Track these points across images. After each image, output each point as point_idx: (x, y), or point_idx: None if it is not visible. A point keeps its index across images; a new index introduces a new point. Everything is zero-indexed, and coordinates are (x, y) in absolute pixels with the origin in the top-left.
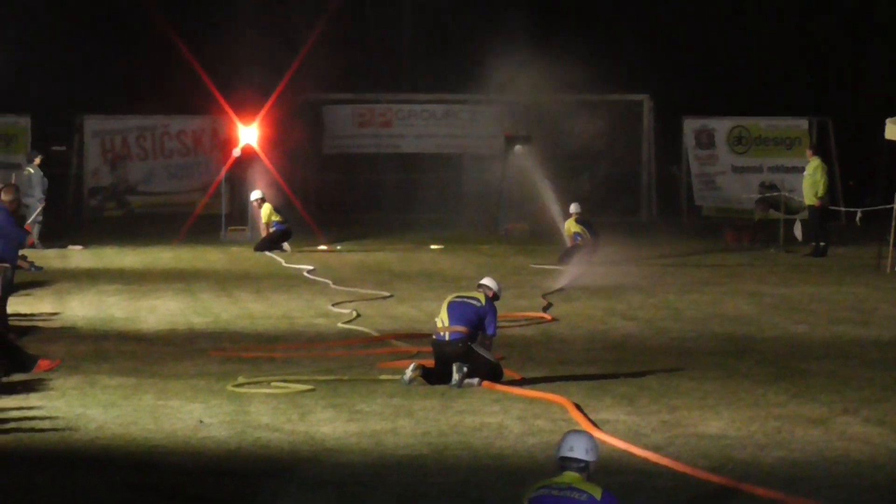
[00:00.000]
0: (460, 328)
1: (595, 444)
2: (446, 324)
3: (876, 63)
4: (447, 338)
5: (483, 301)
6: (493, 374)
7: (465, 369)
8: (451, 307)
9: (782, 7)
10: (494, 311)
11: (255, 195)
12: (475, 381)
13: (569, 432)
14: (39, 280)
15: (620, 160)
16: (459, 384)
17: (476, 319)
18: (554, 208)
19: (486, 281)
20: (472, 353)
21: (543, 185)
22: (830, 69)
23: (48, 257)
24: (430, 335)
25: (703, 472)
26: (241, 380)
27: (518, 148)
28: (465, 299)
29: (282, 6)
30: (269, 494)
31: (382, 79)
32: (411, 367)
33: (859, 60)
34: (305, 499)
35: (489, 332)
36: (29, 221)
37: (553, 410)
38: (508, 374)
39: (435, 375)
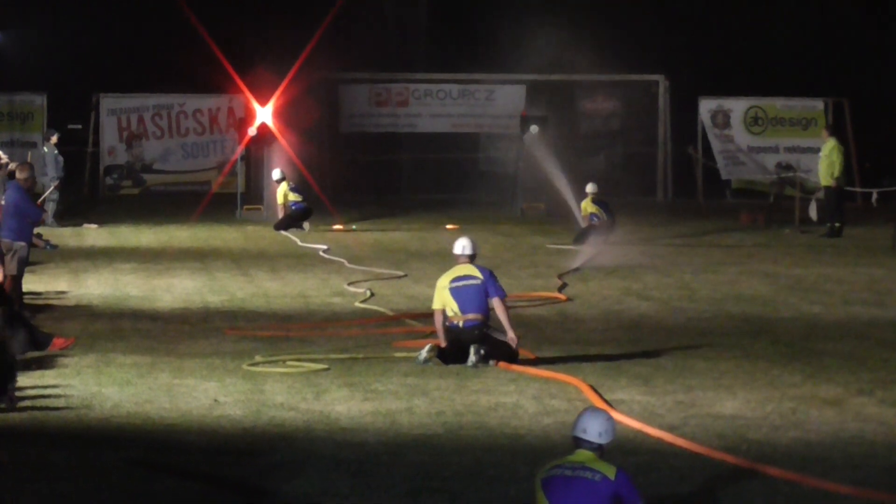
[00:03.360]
0: (474, 315)
1: (610, 425)
2: (457, 311)
3: (893, 44)
4: (461, 325)
5: (479, 275)
6: (509, 355)
7: (482, 352)
8: (456, 294)
9: None
10: (492, 275)
11: (276, 175)
12: (490, 361)
13: (585, 411)
14: (55, 258)
15: (636, 140)
16: (475, 365)
17: (484, 298)
18: (568, 193)
19: (463, 250)
20: (488, 339)
21: (556, 170)
22: (847, 50)
23: (64, 236)
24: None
25: (718, 452)
26: (258, 359)
27: (533, 128)
28: (465, 281)
29: None
30: (283, 473)
31: (399, 58)
32: (427, 347)
33: (876, 41)
34: (320, 478)
35: (499, 295)
36: (41, 199)
37: (568, 390)
38: (522, 353)
39: (450, 355)
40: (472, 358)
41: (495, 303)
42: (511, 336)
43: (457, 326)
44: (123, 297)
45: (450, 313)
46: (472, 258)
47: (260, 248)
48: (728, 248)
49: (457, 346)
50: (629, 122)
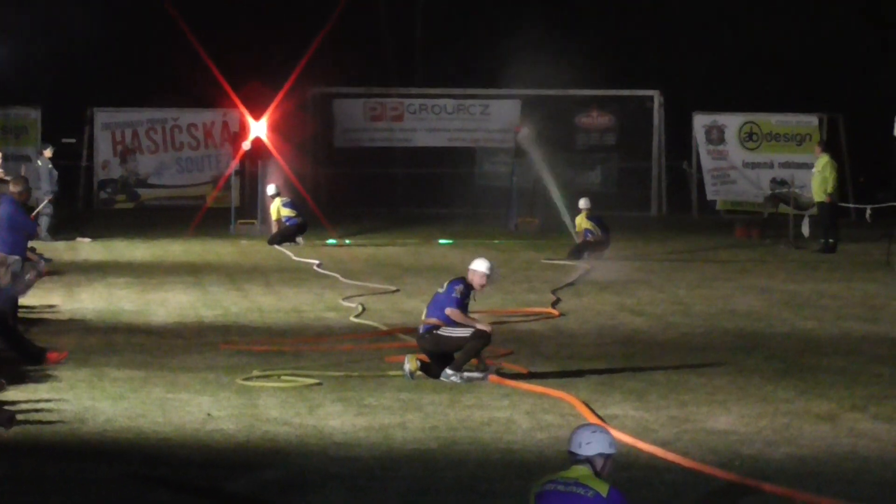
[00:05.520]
0: (430, 320)
1: (602, 440)
2: (423, 316)
3: (888, 60)
4: (421, 330)
5: (445, 286)
6: (476, 345)
7: (448, 372)
8: (430, 302)
9: (794, 3)
10: (454, 287)
11: (271, 190)
12: (477, 375)
13: (579, 426)
14: (48, 272)
15: (631, 155)
16: (463, 380)
17: (444, 304)
18: (559, 201)
19: (474, 265)
20: (441, 339)
21: (550, 183)
22: (841, 65)
23: (57, 249)
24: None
25: (711, 467)
26: (255, 373)
27: (524, 131)
28: (438, 291)
29: None
30: (277, 488)
31: (394, 72)
32: (406, 359)
33: (871, 57)
34: (314, 492)
35: (446, 305)
36: (34, 213)
37: (562, 405)
38: (514, 368)
39: (434, 369)
40: (453, 379)
41: (449, 313)
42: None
43: (419, 331)
44: (117, 311)
45: (422, 316)
46: (478, 279)
47: (254, 262)
48: (722, 263)
49: (428, 356)
50: (624, 137)
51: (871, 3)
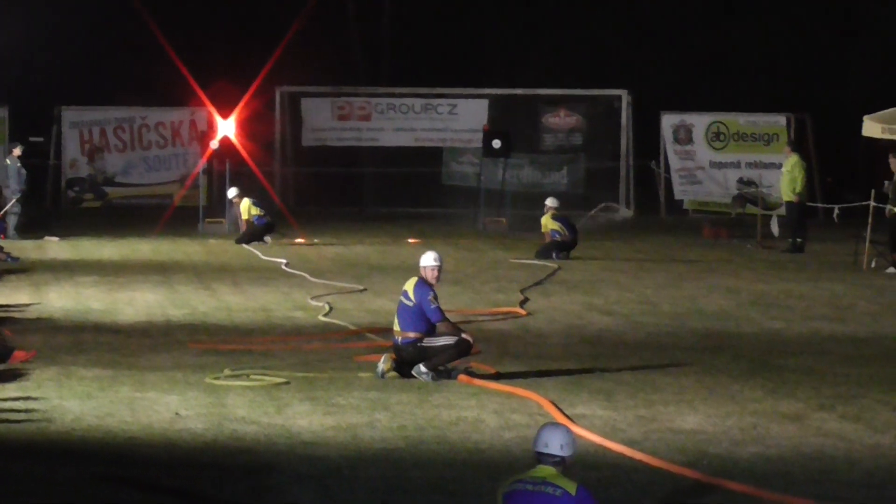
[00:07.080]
0: (409, 334)
1: (571, 438)
2: (397, 328)
3: (855, 60)
4: (400, 342)
5: (413, 297)
6: (458, 352)
7: (422, 368)
8: (398, 310)
9: (763, 3)
10: (426, 297)
11: (232, 192)
12: (452, 374)
13: (544, 426)
14: (16, 270)
15: (599, 155)
16: (433, 379)
17: (419, 316)
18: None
19: (423, 261)
20: (426, 351)
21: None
22: (809, 65)
23: (25, 248)
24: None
25: (678, 466)
26: (227, 371)
27: (496, 142)
28: (403, 298)
29: None
30: (245, 487)
31: (362, 72)
32: (382, 359)
33: (839, 57)
34: (282, 492)
35: (436, 319)
36: (2, 212)
37: (530, 405)
38: (483, 367)
39: (406, 370)
40: (424, 377)
41: (438, 326)
42: (451, 343)
43: (397, 342)
44: (85, 310)
45: (395, 327)
46: (430, 273)
47: (222, 261)
48: (689, 263)
49: (403, 361)
50: (591, 137)
51: (837, 2)
